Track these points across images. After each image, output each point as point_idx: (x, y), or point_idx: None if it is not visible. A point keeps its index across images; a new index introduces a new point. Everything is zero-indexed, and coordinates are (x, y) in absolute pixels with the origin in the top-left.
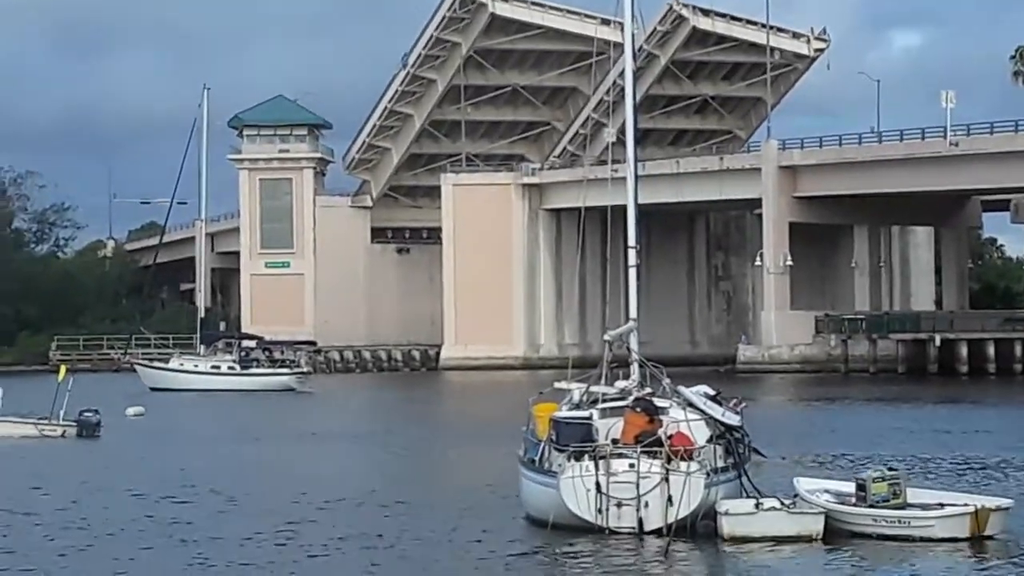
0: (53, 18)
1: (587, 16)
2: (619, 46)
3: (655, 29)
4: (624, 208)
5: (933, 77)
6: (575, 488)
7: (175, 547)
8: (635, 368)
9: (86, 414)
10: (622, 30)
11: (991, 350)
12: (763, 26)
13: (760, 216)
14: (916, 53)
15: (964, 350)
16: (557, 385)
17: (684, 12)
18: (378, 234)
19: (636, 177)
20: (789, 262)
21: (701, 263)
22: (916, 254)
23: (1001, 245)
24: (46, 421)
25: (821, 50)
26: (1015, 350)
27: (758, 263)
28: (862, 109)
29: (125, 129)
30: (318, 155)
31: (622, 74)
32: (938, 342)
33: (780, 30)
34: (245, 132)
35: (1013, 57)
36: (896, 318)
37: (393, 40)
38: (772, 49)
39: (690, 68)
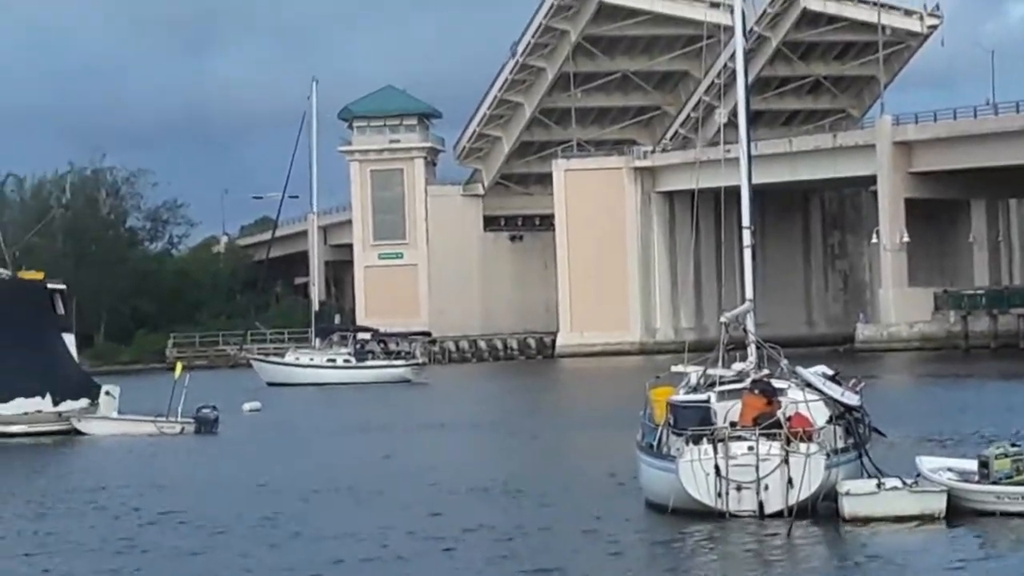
0: (160, 14)
1: (696, 0)
2: (729, 29)
3: (765, 11)
4: (738, 189)
5: None
6: (694, 472)
7: (303, 543)
8: (752, 350)
9: (204, 410)
10: (731, 13)
11: None
12: (875, 4)
13: (875, 193)
14: None
15: None
16: (674, 369)
17: None
18: (490, 222)
19: (749, 157)
20: (906, 239)
21: (817, 242)
22: None
23: None
24: (164, 418)
25: (934, 27)
26: None
27: (874, 241)
28: (979, 81)
29: (236, 124)
30: (428, 144)
31: (733, 56)
32: None
33: (892, 8)
34: (355, 123)
35: None
36: (1016, 292)
37: (500, 25)
38: (884, 27)
39: (801, 49)
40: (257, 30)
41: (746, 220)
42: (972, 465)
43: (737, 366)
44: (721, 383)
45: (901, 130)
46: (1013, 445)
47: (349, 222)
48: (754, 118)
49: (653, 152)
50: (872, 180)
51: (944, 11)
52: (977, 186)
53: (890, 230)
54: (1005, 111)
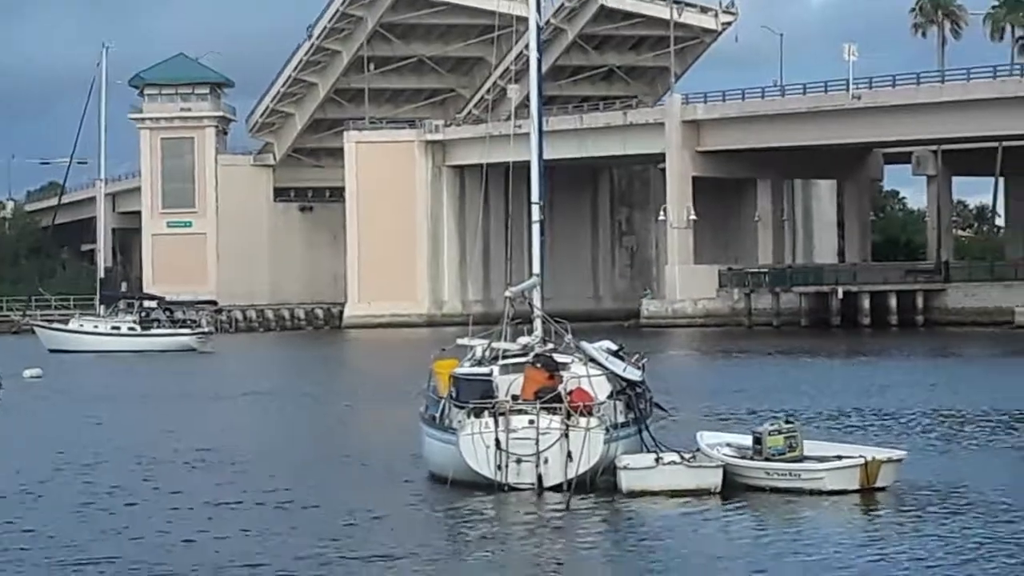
0: None
1: None
2: (525, 20)
3: (563, 4)
4: (527, 164)
5: (847, 31)
6: (474, 445)
7: (77, 515)
8: (538, 324)
9: None
10: (528, 5)
11: (893, 302)
12: (671, 1)
13: (664, 171)
14: (833, 7)
15: (866, 302)
16: (459, 342)
17: None
18: (281, 193)
19: (541, 131)
20: (693, 216)
21: (605, 218)
22: (819, 207)
23: (903, 197)
24: None
25: (729, 23)
26: (916, 302)
27: (662, 218)
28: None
29: (25, 90)
30: (220, 114)
31: (528, 45)
32: (840, 295)
33: (688, 4)
34: (146, 91)
35: (913, 10)
36: (799, 271)
37: None
38: (678, 24)
39: (597, 40)
40: None
41: (535, 195)
42: (750, 441)
43: (523, 340)
44: (506, 357)
45: (690, 109)
46: (787, 422)
47: (138, 189)
48: (547, 102)
49: (446, 126)
50: (661, 158)
51: (739, 8)
52: (763, 166)
53: (677, 207)
54: (792, 93)
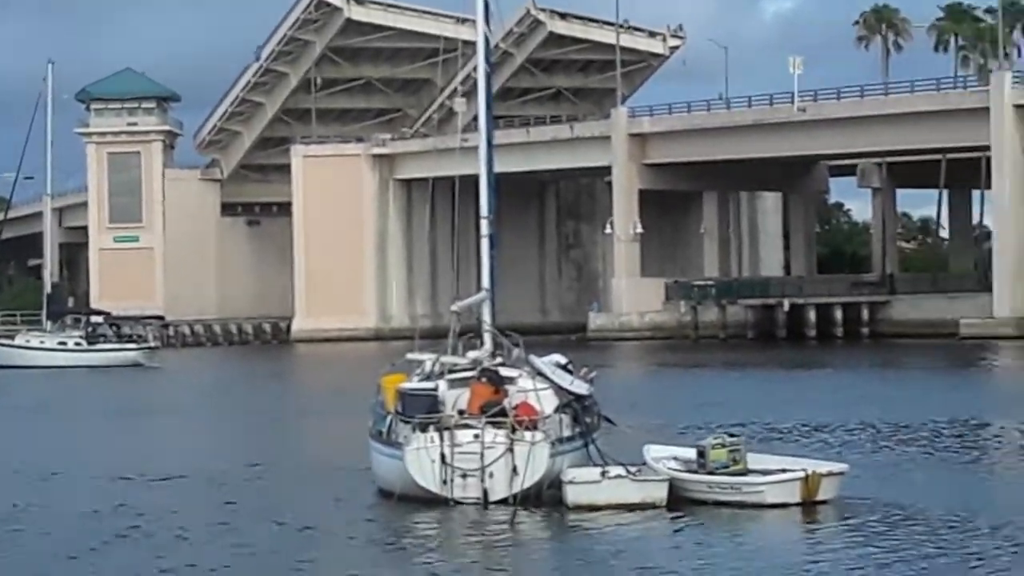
0: None
1: (442, 16)
2: (472, 43)
3: (512, 30)
4: (474, 178)
5: (796, 44)
6: (420, 459)
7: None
8: (487, 338)
9: None
10: (476, 29)
11: (839, 314)
12: (619, 26)
13: (610, 184)
14: (783, 20)
15: (812, 315)
16: (409, 356)
17: (541, 16)
18: (228, 208)
19: (490, 144)
20: (639, 229)
21: (551, 231)
22: (765, 220)
23: (848, 210)
24: None
25: (676, 47)
26: (862, 314)
27: (608, 231)
28: (728, 76)
29: None
30: (167, 128)
31: (476, 69)
32: (787, 307)
33: (636, 29)
34: (93, 105)
35: (857, 22)
36: (745, 284)
37: (242, 10)
38: (626, 48)
39: (545, 63)
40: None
41: (484, 209)
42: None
43: (472, 354)
44: (455, 371)
45: (636, 122)
46: (730, 435)
47: (85, 204)
48: (494, 120)
49: (392, 139)
50: (608, 171)
51: (687, 31)
52: (709, 179)
53: (624, 220)
54: (738, 106)
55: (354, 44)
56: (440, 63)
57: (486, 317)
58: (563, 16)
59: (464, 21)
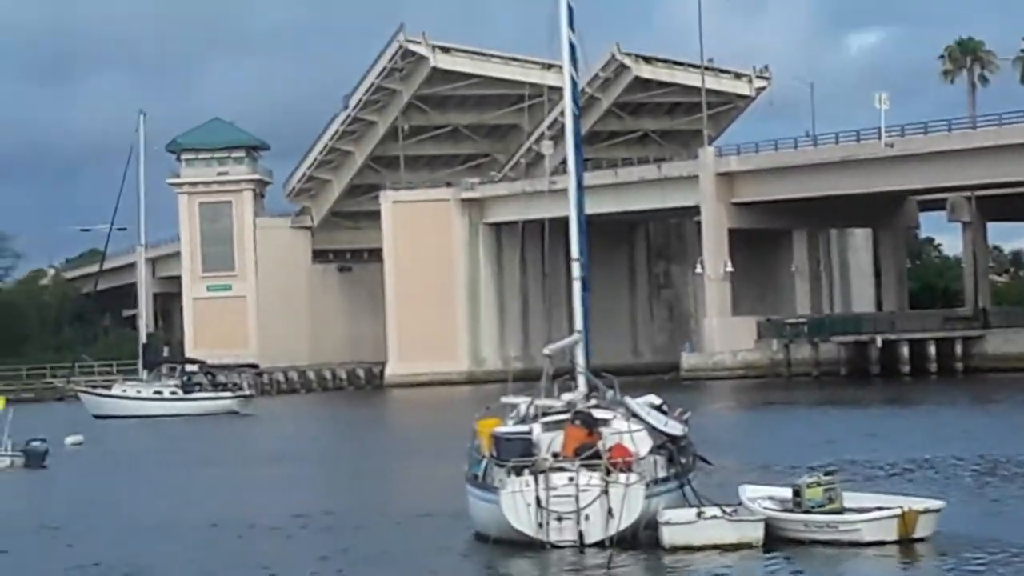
0: None
1: (527, 62)
2: (557, 89)
3: (597, 75)
4: (563, 220)
5: (881, 80)
6: (515, 503)
7: None
8: (581, 380)
9: (33, 443)
10: (563, 73)
11: (932, 350)
12: (705, 68)
13: (699, 223)
14: (868, 56)
15: (905, 350)
16: (504, 400)
17: (626, 61)
18: (319, 255)
19: (580, 186)
20: (729, 268)
21: (642, 272)
22: (855, 256)
23: (939, 244)
24: None
25: (762, 88)
26: (955, 349)
27: (699, 270)
28: (814, 112)
29: (66, 157)
30: (257, 176)
31: (563, 113)
32: (879, 343)
33: (722, 71)
34: (183, 156)
35: (942, 56)
36: (837, 321)
37: (329, 58)
38: (712, 91)
39: (631, 107)
40: (92, 63)
41: (575, 251)
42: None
43: (567, 396)
44: (549, 414)
45: (724, 161)
46: (826, 474)
47: (178, 254)
48: (583, 163)
49: (481, 183)
50: (696, 210)
51: (772, 72)
52: (798, 216)
53: (714, 260)
54: (825, 143)
55: (441, 92)
56: (526, 108)
57: (580, 359)
58: (648, 60)
59: (550, 67)
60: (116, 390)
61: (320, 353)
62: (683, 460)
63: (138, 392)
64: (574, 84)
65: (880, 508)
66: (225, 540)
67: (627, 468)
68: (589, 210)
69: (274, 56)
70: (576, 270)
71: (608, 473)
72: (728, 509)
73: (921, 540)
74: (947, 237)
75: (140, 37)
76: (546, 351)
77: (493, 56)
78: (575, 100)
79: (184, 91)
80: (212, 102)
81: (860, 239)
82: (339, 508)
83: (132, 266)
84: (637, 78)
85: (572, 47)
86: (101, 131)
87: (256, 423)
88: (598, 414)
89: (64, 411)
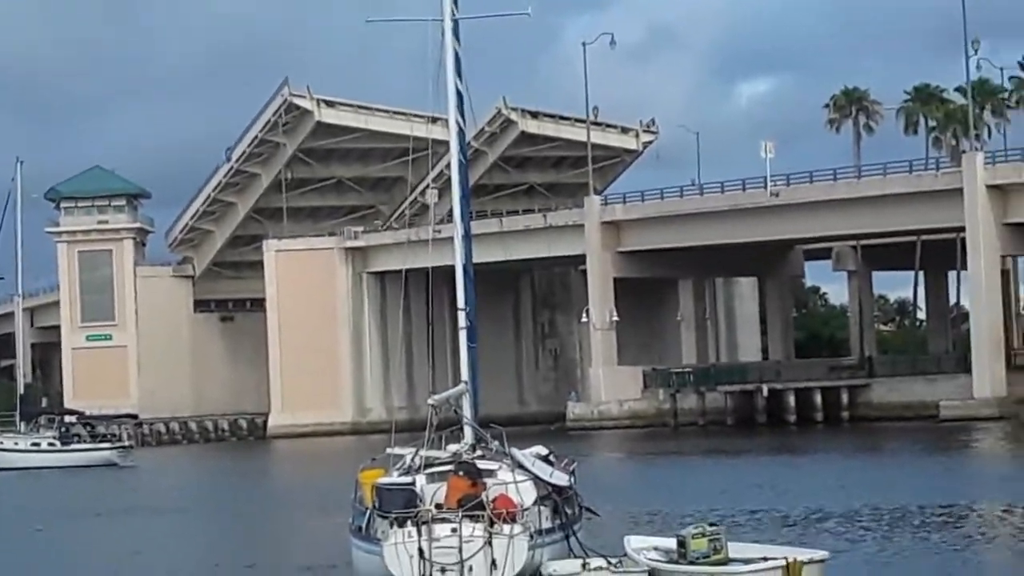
0: None
1: (413, 116)
2: (443, 142)
3: (483, 129)
4: (447, 269)
5: (773, 128)
6: (398, 554)
7: None
8: (468, 431)
9: None
10: (447, 129)
11: (818, 399)
12: (591, 124)
13: (585, 272)
14: (756, 105)
15: (791, 399)
16: (389, 450)
17: (513, 115)
18: (201, 305)
19: (468, 235)
20: (615, 317)
21: (527, 321)
22: (741, 305)
23: (824, 293)
24: None
25: (649, 142)
26: (841, 398)
27: (584, 319)
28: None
29: None
30: (137, 225)
31: (449, 166)
32: (765, 392)
33: (609, 126)
34: (62, 204)
35: (827, 105)
36: (723, 370)
37: (218, 105)
38: (599, 145)
39: (517, 160)
40: None
41: (462, 301)
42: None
43: (452, 447)
44: (434, 465)
45: (609, 210)
46: (711, 524)
47: (57, 303)
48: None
49: (365, 233)
50: (582, 259)
51: (659, 124)
52: (683, 265)
53: (599, 309)
54: (711, 191)
55: (325, 145)
56: (411, 161)
57: (467, 410)
58: (535, 115)
59: (435, 120)
60: None
61: (203, 403)
62: (568, 511)
63: (15, 444)
64: (461, 132)
65: (765, 559)
66: None
67: (511, 519)
68: (475, 259)
69: (154, 104)
70: (462, 320)
71: (492, 524)
72: (613, 560)
73: None
74: (833, 286)
75: (24, 83)
76: (431, 401)
77: (378, 110)
78: (462, 147)
79: (67, 138)
80: (95, 150)
81: (746, 288)
82: (222, 560)
83: (9, 315)
84: (523, 133)
85: (459, 95)
86: None
87: (136, 474)
88: (482, 465)
89: None
